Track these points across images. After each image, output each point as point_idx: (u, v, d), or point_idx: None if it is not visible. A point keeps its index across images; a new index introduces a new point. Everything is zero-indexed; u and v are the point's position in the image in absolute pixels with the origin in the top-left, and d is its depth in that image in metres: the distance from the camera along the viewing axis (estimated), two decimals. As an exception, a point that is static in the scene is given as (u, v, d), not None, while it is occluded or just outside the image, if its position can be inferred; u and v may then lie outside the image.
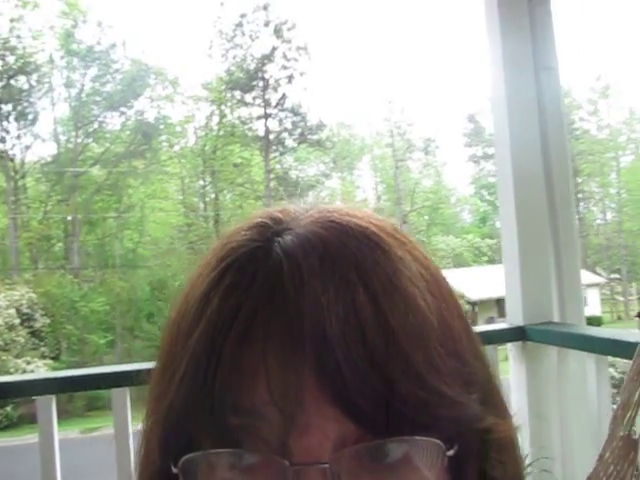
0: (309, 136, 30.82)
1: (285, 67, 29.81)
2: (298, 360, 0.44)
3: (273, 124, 30.39)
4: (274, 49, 29.65)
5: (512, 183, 2.33)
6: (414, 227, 32.32)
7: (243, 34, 29.49)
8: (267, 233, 0.50)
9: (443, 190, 37.06)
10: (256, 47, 29.65)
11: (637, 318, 27.32)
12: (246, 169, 30.26)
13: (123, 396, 2.01)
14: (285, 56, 29.75)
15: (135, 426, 2.00)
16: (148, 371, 0.54)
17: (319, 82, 48.75)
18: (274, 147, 30.61)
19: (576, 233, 2.62)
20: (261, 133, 30.32)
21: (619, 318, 30.54)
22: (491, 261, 31.62)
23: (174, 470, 0.47)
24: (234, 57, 29.82)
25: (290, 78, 29.81)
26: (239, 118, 30.40)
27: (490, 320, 24.70)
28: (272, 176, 30.24)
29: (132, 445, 1.99)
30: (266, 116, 30.08)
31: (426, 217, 34.73)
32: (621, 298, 32.49)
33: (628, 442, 1.17)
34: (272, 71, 29.97)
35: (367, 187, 39.02)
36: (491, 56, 2.31)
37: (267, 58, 29.69)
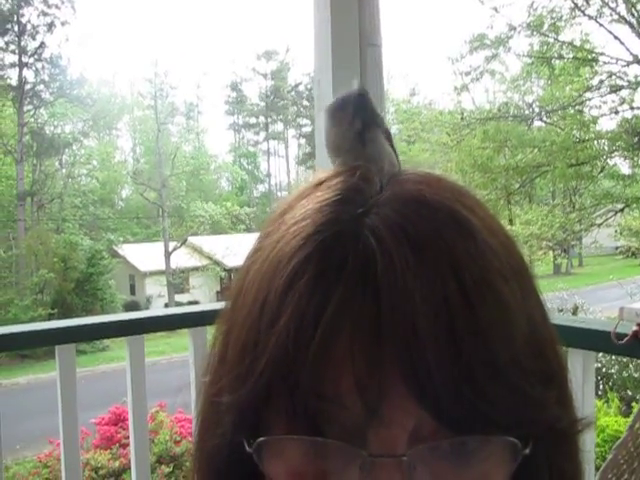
0: (68, 91, 28.77)
1: (45, 13, 27.30)
2: (386, 354, 0.44)
3: (29, 74, 27.79)
4: (33, -9, 26.93)
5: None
6: (173, 192, 32.06)
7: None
8: (352, 211, 0.49)
9: (203, 156, 37.17)
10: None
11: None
12: (-5, 120, 27.26)
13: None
14: (46, 1, 27.24)
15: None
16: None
17: (82, 34, 45.44)
18: (29, 99, 27.95)
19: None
20: (14, 83, 27.48)
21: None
22: (248, 229, 32.62)
23: (248, 449, 0.48)
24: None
25: (50, 26, 27.41)
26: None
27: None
28: (25, 130, 27.58)
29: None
30: (21, 65, 27.34)
31: (184, 182, 34.59)
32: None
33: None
34: (30, 16, 27.31)
35: (126, 148, 37.72)
36: (318, 31, 2.29)
37: (24, 0, 26.92)
